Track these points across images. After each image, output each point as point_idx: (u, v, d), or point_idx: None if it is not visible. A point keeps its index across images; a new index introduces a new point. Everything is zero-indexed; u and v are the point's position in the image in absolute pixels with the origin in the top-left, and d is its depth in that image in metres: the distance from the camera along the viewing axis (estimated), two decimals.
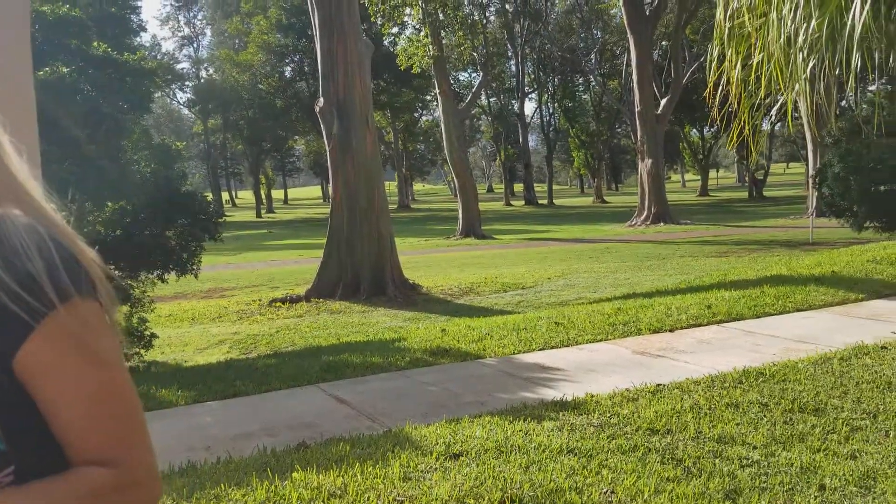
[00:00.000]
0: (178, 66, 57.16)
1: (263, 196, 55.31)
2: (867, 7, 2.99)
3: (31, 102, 1.99)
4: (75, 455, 0.88)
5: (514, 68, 48.41)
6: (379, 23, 26.40)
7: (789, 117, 4.00)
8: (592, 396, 4.51)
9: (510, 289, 12.18)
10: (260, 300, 12.58)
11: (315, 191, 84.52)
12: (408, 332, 7.97)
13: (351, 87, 12.61)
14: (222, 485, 3.24)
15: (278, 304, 12.01)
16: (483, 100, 48.97)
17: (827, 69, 3.40)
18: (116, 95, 12.70)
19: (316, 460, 3.51)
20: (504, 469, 3.29)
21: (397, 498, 2.95)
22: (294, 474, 3.29)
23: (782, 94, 3.89)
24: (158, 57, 53.11)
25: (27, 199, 0.89)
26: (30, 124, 1.97)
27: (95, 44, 13.45)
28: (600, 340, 6.35)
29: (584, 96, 53.28)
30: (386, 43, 38.58)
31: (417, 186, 77.79)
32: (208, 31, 63.90)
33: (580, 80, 51.49)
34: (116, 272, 8.42)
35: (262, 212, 52.38)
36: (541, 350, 6.15)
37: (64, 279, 0.84)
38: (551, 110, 52.31)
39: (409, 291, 12.24)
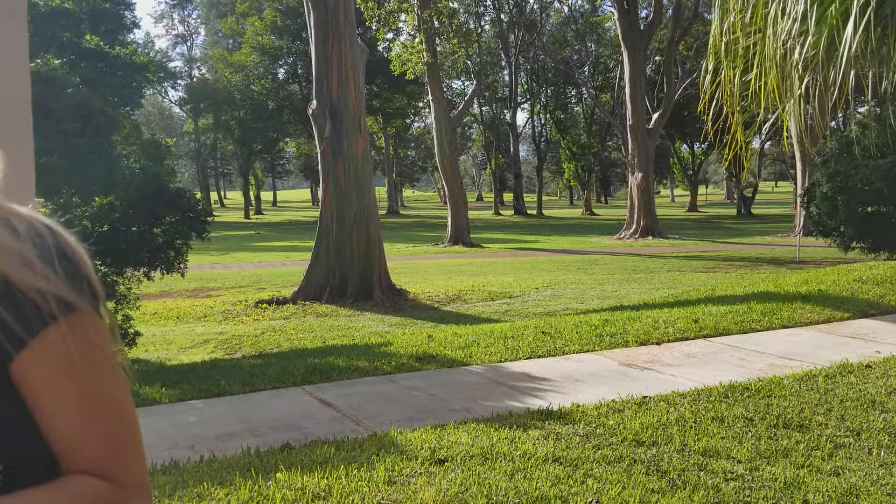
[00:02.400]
0: (171, 65, 56.95)
1: (252, 197, 55.13)
2: (860, 27, 3.02)
3: (27, 96, 1.97)
4: (69, 465, 0.87)
5: (507, 78, 48.58)
6: (374, 28, 26.48)
7: (784, 133, 4.03)
8: (578, 406, 4.50)
9: (497, 297, 12.18)
10: (246, 301, 12.51)
11: (304, 194, 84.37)
12: (394, 337, 7.95)
13: (344, 91, 12.61)
14: (205, 483, 3.21)
15: (264, 305, 11.95)
16: (475, 108, 49.13)
17: (821, 87, 3.43)
18: (107, 89, 12.61)
19: (300, 462, 3.48)
20: (489, 476, 3.28)
21: (381, 501, 2.93)
22: (278, 475, 3.26)
23: (773, 112, 3.92)
24: (151, 54, 52.89)
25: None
26: (25, 119, 1.95)
27: (87, 37, 13.37)
28: (587, 351, 6.35)
29: (576, 108, 53.56)
30: (380, 48, 38.65)
31: (407, 193, 77.76)
32: (202, 31, 63.81)
33: (573, 92, 51.75)
34: (102, 268, 8.35)
35: (251, 213, 52.20)
36: (527, 359, 6.14)
37: (67, 291, 0.83)
38: (543, 121, 52.51)
39: (396, 297, 12.22)
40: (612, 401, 4.64)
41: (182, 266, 9.24)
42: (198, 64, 61.15)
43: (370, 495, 3.00)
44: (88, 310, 0.86)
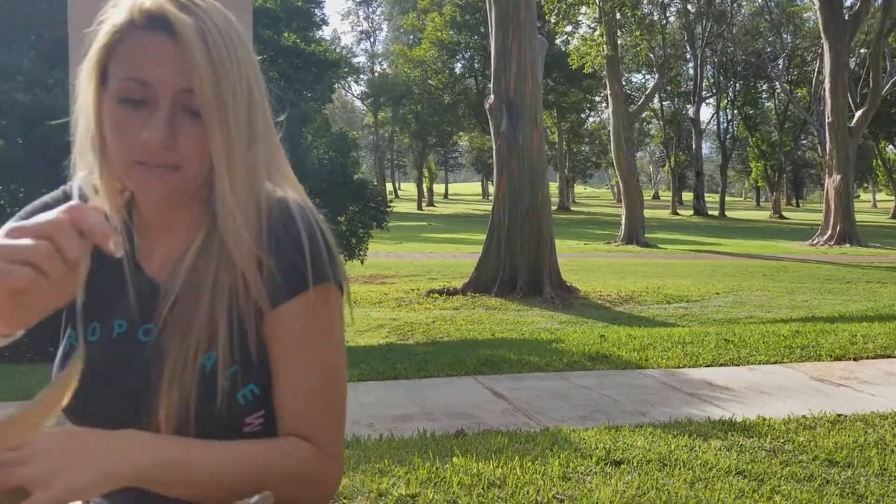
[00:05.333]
0: (355, 60, 59.91)
1: (425, 189, 56.80)
2: None
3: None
4: (284, 422, 0.94)
5: (691, 71, 46.49)
6: (553, 21, 26.27)
7: None
8: (765, 420, 4.23)
9: (673, 301, 11.72)
10: (418, 290, 12.91)
11: (475, 187, 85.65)
12: (565, 334, 7.87)
13: (522, 85, 12.62)
14: (386, 461, 3.35)
15: (435, 294, 12.27)
16: (655, 103, 47.42)
17: None
18: (301, 84, 13.45)
19: (475, 449, 3.54)
20: (668, 482, 3.16)
21: (557, 496, 2.91)
22: (454, 459, 3.33)
23: None
24: (338, 50, 55.97)
25: (295, 184, 0.99)
26: None
27: (286, 34, 14.23)
28: (775, 362, 5.96)
29: (767, 104, 50.21)
30: (558, 42, 38.33)
31: (578, 189, 76.75)
32: (385, 27, 66.45)
33: (764, 87, 48.53)
34: None
35: (423, 204, 53.80)
36: (708, 366, 5.86)
37: (324, 264, 0.92)
38: (729, 117, 49.73)
39: (566, 294, 12.09)
40: (803, 416, 4.31)
41: (362, 253, 9.73)
42: (379, 59, 63.84)
43: (545, 488, 2.99)
44: (334, 284, 0.94)
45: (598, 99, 47.73)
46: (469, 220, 38.30)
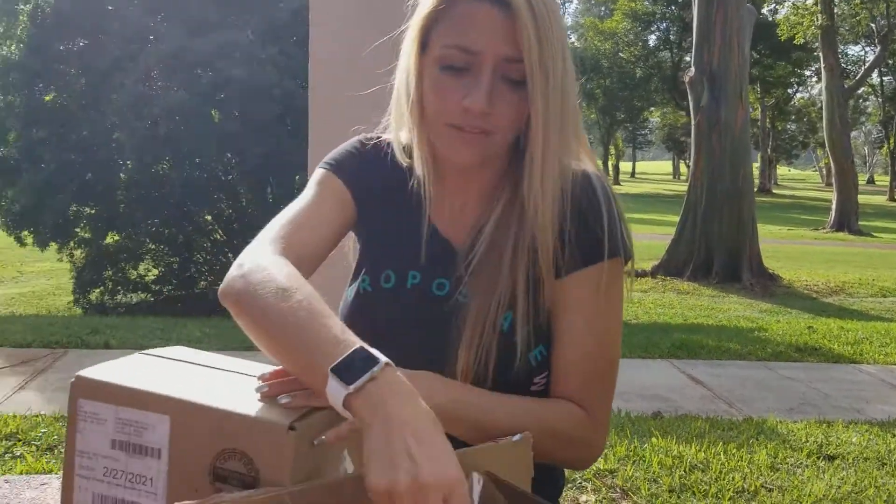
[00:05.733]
0: None
1: (611, 167, 55.46)
2: None
3: None
4: (559, 386, 0.98)
5: None
6: None
7: None
8: None
9: (890, 294, 10.70)
10: None
11: (664, 166, 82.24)
12: (767, 323, 7.48)
13: (727, 57, 11.95)
14: None
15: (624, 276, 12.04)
16: (874, 78, 42.83)
17: None
18: None
19: (674, 431, 3.52)
20: (888, 482, 2.97)
21: (765, 485, 2.84)
22: (652, 440, 3.34)
23: None
24: None
25: (592, 156, 1.03)
26: None
27: None
28: None
29: None
30: (765, 11, 35.71)
31: (781, 170, 71.30)
32: None
33: None
34: None
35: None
36: None
37: (619, 240, 0.97)
38: None
39: (767, 281, 11.40)
40: None
41: None
42: (569, 32, 62.78)
43: (751, 476, 2.93)
44: (625, 258, 0.99)
45: (808, 73, 43.97)
46: (658, 200, 36.95)
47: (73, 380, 0.81)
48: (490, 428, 0.88)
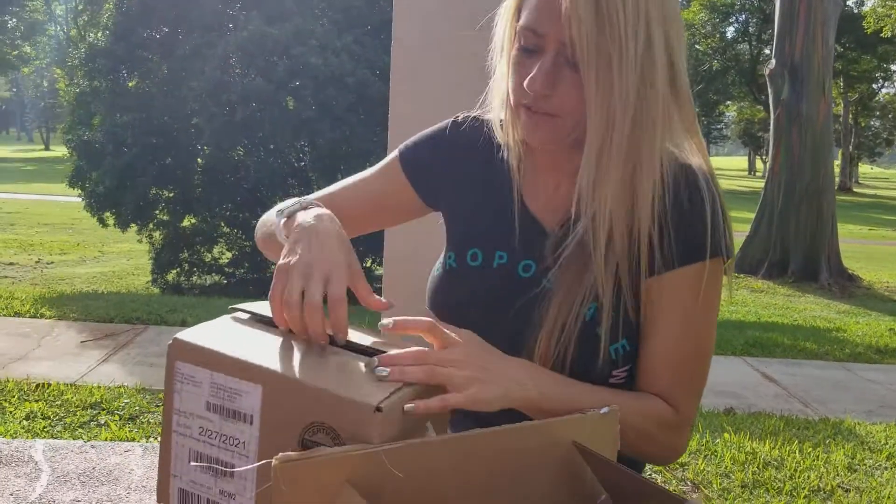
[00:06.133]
0: None
1: None
2: None
3: None
4: (648, 382, 0.96)
5: None
6: None
7: None
8: None
9: None
10: None
11: (739, 162, 79.81)
12: (845, 324, 7.21)
13: (810, 49, 11.51)
14: None
15: None
16: None
17: None
18: None
19: (747, 428, 3.43)
20: None
21: (842, 485, 2.75)
22: (725, 435, 3.27)
23: None
24: None
25: (701, 148, 0.99)
26: None
27: None
28: None
29: None
30: (850, 3, 34.25)
31: (864, 168, 68.36)
32: None
33: None
34: None
35: None
36: None
37: (720, 240, 0.94)
38: None
39: (846, 282, 10.97)
40: None
41: None
42: None
43: (828, 476, 2.83)
44: (724, 260, 0.95)
45: (894, 68, 41.98)
46: (733, 197, 35.88)
47: (170, 342, 0.84)
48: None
